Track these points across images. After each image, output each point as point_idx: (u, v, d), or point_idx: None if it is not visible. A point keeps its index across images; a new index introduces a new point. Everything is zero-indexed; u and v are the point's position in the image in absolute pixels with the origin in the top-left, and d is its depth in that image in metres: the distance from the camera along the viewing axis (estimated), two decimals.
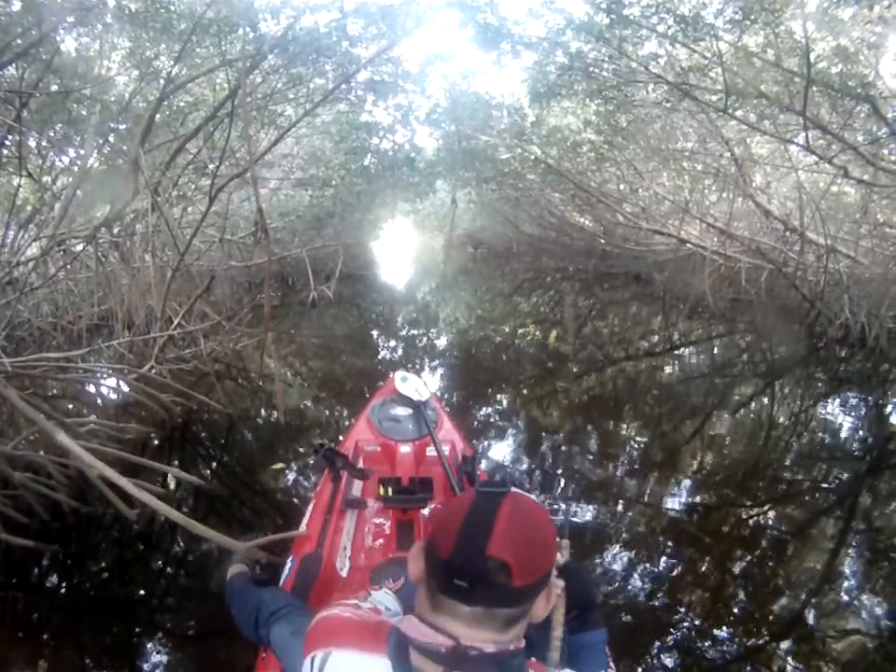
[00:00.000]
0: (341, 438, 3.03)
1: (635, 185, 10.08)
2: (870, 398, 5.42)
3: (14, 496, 2.57)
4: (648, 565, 2.57)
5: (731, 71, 4.92)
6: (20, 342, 4.90)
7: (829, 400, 5.36)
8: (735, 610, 2.29)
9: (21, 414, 2.58)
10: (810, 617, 2.27)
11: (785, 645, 2.12)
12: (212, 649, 2.06)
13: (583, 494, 3.19)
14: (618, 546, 2.71)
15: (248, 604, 1.34)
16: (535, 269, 16.07)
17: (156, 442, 3.75)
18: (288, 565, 1.75)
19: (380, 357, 6.90)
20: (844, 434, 4.45)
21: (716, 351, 7.58)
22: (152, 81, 5.30)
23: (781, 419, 4.83)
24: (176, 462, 3.54)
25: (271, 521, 2.84)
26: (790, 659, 2.05)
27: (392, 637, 0.69)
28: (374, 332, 8.68)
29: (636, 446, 4.07)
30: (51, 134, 5.40)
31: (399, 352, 7.09)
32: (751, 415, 4.98)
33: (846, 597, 2.40)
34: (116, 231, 5.09)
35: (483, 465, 3.26)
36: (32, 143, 5.17)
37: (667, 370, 6.52)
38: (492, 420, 4.52)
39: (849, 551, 2.80)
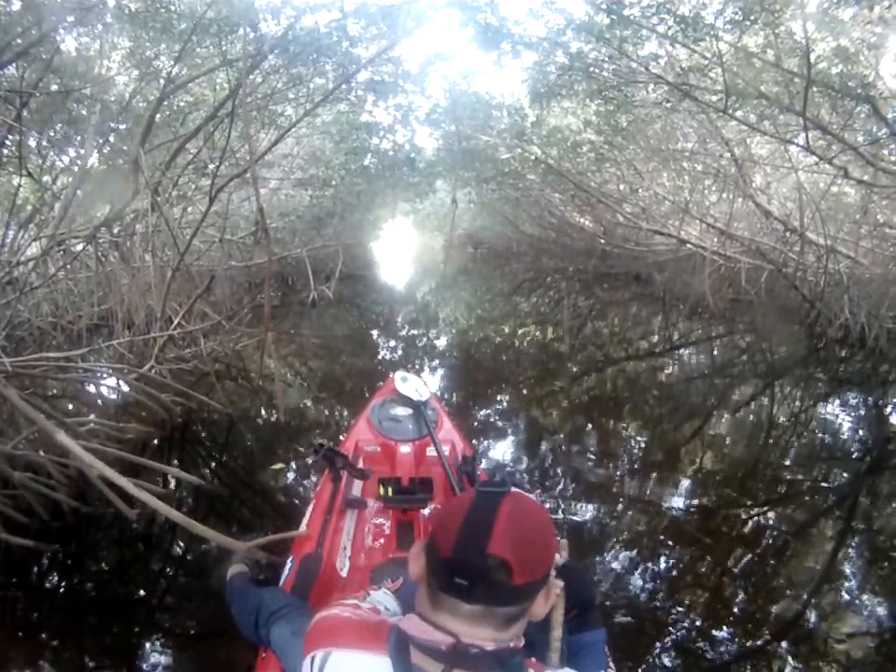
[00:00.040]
0: (341, 438, 3.03)
1: (635, 185, 10.08)
2: (870, 398, 5.42)
3: (14, 495, 2.57)
4: (647, 565, 2.57)
5: (731, 71, 4.93)
6: (20, 341, 4.90)
7: (829, 401, 5.36)
8: (735, 610, 2.29)
9: (21, 414, 2.58)
10: (810, 617, 2.27)
11: (785, 645, 2.12)
12: (212, 649, 2.06)
13: (583, 494, 3.19)
14: (617, 546, 2.71)
15: (248, 604, 1.34)
16: (535, 269, 16.07)
17: (156, 442, 3.75)
18: (288, 565, 1.75)
19: (380, 357, 6.90)
20: (844, 434, 4.45)
21: (716, 351, 7.58)
22: (152, 81, 5.30)
23: (781, 419, 4.83)
24: (176, 462, 3.54)
25: (271, 521, 2.84)
26: (789, 659, 2.05)
27: (392, 635, 0.70)
28: (374, 332, 8.68)
29: (635, 446, 4.07)
30: (51, 134, 5.40)
31: (399, 352, 7.09)
32: (751, 416, 4.99)
33: (845, 597, 2.40)
34: (116, 230, 5.09)
35: (483, 465, 3.27)
36: (32, 142, 5.17)
37: (667, 370, 6.52)
38: (492, 420, 4.52)
39: (849, 551, 2.80)
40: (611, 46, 5.16)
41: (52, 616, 2.23)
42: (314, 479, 3.14)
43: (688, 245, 8.98)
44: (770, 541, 2.83)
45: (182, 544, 2.65)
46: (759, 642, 2.12)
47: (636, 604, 2.31)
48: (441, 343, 7.72)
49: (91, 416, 3.65)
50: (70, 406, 4.43)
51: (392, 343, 7.71)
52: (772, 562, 2.64)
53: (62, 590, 2.40)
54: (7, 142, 4.42)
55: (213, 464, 3.74)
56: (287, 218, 9.11)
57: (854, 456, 4.03)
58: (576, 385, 5.62)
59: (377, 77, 5.53)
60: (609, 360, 6.83)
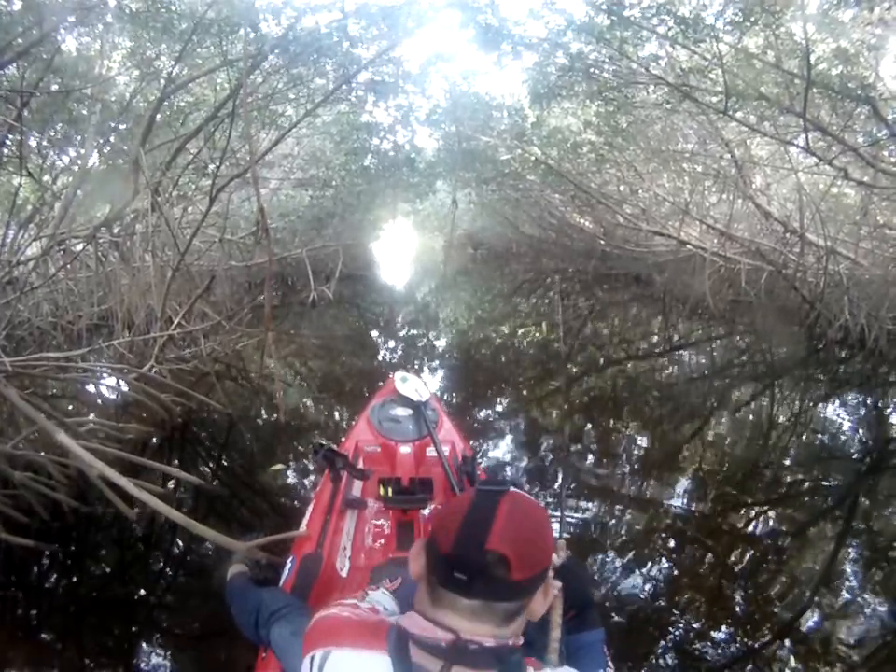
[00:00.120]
0: (341, 438, 3.03)
1: (635, 186, 10.08)
2: (869, 399, 5.42)
3: (14, 495, 2.57)
4: (647, 565, 2.57)
5: (731, 72, 4.93)
6: (20, 341, 4.90)
7: (828, 402, 5.37)
8: (735, 610, 2.29)
9: (21, 414, 2.58)
10: (810, 617, 2.27)
11: (784, 645, 2.12)
12: (212, 649, 2.06)
13: (583, 494, 3.19)
14: (617, 546, 2.72)
15: (248, 604, 1.34)
16: (535, 270, 16.08)
17: (156, 442, 3.75)
18: (288, 565, 1.75)
19: (380, 357, 6.90)
20: (843, 435, 4.45)
21: (716, 352, 7.58)
22: (153, 81, 5.30)
23: (781, 420, 4.84)
24: (176, 462, 3.54)
25: (271, 521, 2.84)
26: (789, 659, 2.05)
27: (392, 634, 0.70)
28: (374, 333, 8.68)
29: (635, 447, 4.07)
30: (52, 134, 5.40)
31: (399, 352, 7.09)
32: (751, 416, 4.99)
33: (845, 597, 2.40)
34: (116, 230, 5.09)
35: (483, 465, 3.27)
36: (32, 142, 5.18)
37: (667, 370, 6.52)
38: (492, 420, 4.52)
39: (849, 551, 2.80)
40: (612, 47, 5.16)
41: (52, 616, 2.23)
42: (314, 479, 3.14)
43: (688, 246, 8.98)
44: (770, 541, 2.83)
45: (182, 544, 2.65)
46: (758, 642, 2.12)
47: (635, 604, 2.31)
48: (441, 343, 7.72)
49: (91, 416, 3.66)
50: (70, 406, 4.43)
51: (392, 344, 7.71)
52: (772, 562, 2.64)
53: (62, 590, 2.40)
54: (8, 141, 4.42)
55: (213, 464, 3.74)
56: (287, 219, 9.12)
57: (854, 457, 4.03)
58: (576, 385, 5.62)
59: (378, 78, 5.53)
60: (609, 361, 6.83)
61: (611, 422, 4.67)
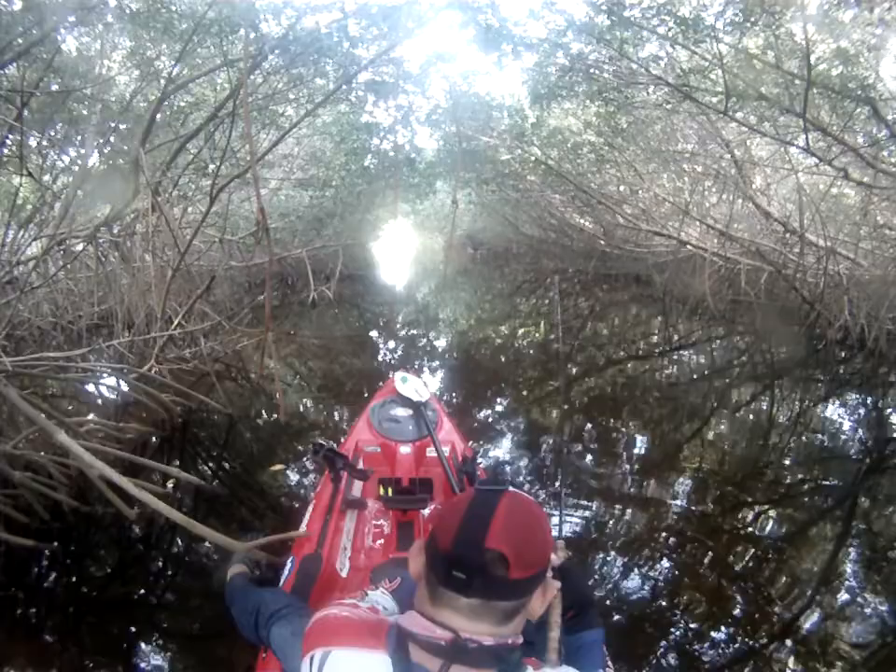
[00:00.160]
0: (341, 438, 3.03)
1: (635, 186, 10.09)
2: (869, 399, 5.42)
3: (14, 495, 2.57)
4: (646, 565, 2.57)
5: (731, 73, 4.93)
6: (20, 341, 4.90)
7: (828, 402, 5.37)
8: (734, 610, 2.29)
9: (21, 414, 2.58)
10: (809, 618, 2.27)
11: (784, 645, 2.12)
12: (212, 649, 2.05)
13: (582, 494, 3.19)
14: (616, 546, 2.71)
15: (248, 604, 1.33)
16: (535, 270, 16.08)
17: (156, 442, 3.75)
18: (288, 565, 1.75)
19: (380, 357, 6.90)
20: (843, 435, 4.45)
21: (716, 352, 7.58)
22: (153, 81, 5.31)
23: (781, 420, 4.83)
24: (176, 462, 3.54)
25: (271, 521, 2.84)
26: (789, 659, 2.05)
27: (392, 633, 0.71)
28: (374, 333, 8.68)
29: (635, 447, 4.07)
30: (52, 134, 5.40)
31: (399, 352, 7.09)
32: (751, 416, 4.99)
33: (845, 598, 2.40)
34: (116, 230, 5.09)
35: (483, 465, 3.26)
36: (32, 142, 5.18)
37: (667, 371, 6.52)
38: (492, 420, 4.52)
39: (849, 552, 2.80)
40: (612, 47, 5.17)
41: (52, 616, 2.23)
42: (314, 479, 3.14)
43: (688, 247, 8.99)
44: (770, 541, 2.83)
45: (182, 544, 2.65)
46: (758, 642, 2.12)
47: (634, 604, 2.31)
48: (441, 343, 7.72)
49: (91, 416, 3.66)
50: (70, 406, 4.43)
51: (392, 344, 7.71)
52: (772, 562, 2.64)
53: (62, 590, 2.40)
54: (8, 141, 4.43)
55: (213, 464, 3.73)
56: (287, 219, 9.14)
57: (854, 457, 4.03)
58: (576, 385, 5.62)
59: (378, 78, 5.54)
60: (609, 361, 6.83)
61: (611, 422, 4.67)
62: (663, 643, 2.09)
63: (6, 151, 4.55)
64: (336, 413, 4.68)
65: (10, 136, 4.36)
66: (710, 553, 2.70)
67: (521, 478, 3.42)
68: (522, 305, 11.68)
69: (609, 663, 1.04)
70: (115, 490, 2.31)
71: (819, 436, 4.50)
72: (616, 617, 2.21)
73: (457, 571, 0.66)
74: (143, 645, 2.08)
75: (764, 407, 5.20)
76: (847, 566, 2.67)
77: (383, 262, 15.54)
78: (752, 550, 2.74)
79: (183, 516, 2.01)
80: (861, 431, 4.59)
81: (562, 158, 9.10)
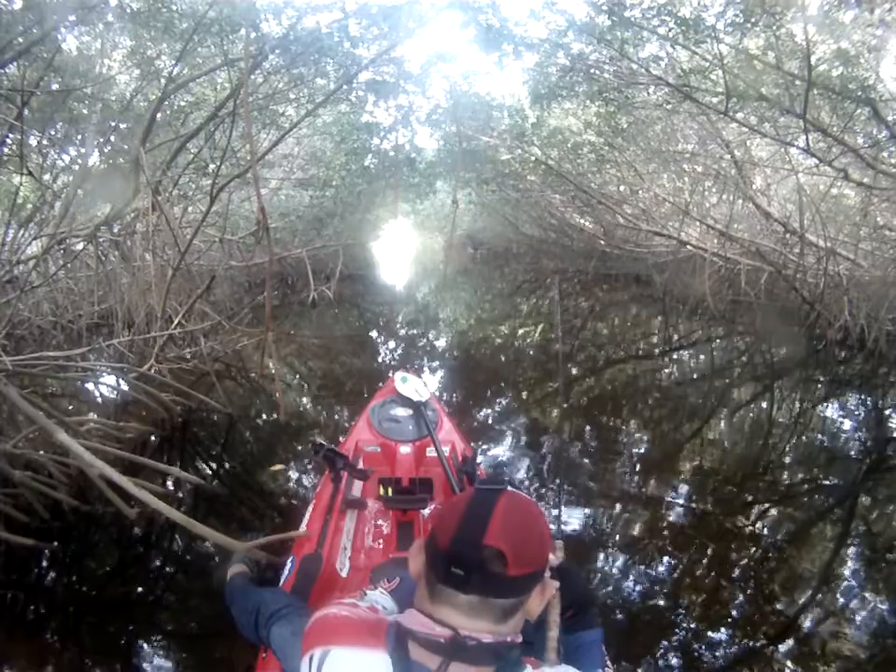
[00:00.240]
0: (341, 438, 3.03)
1: (635, 186, 10.09)
2: (869, 400, 5.42)
3: (14, 494, 2.57)
4: (646, 565, 2.57)
5: (732, 73, 4.93)
6: (20, 340, 4.91)
7: (828, 402, 5.37)
8: (734, 611, 2.30)
9: (21, 413, 2.58)
10: (808, 618, 2.27)
11: (783, 646, 2.12)
12: (212, 649, 2.05)
13: (582, 494, 3.19)
14: (616, 546, 2.72)
15: (248, 604, 1.34)
16: (535, 270, 16.08)
17: (156, 442, 3.75)
18: (288, 565, 1.75)
19: (380, 357, 6.90)
20: (843, 436, 4.45)
21: (715, 352, 7.58)
22: (153, 80, 5.31)
23: (781, 420, 4.84)
24: (177, 461, 3.53)
25: (271, 521, 2.84)
26: (788, 659, 2.06)
27: (391, 632, 0.71)
28: (374, 333, 8.68)
29: (635, 447, 4.07)
30: (52, 133, 5.41)
31: (399, 352, 7.09)
32: (751, 417, 4.99)
33: (845, 598, 2.40)
34: (116, 230, 5.09)
35: (483, 465, 3.27)
36: (33, 141, 5.18)
37: (667, 371, 6.52)
38: (492, 420, 4.52)
39: (849, 551, 2.80)
40: (612, 47, 5.17)
41: (52, 616, 2.22)
42: (314, 479, 3.14)
43: (688, 247, 8.99)
44: (770, 541, 2.83)
45: (182, 544, 2.65)
46: (758, 642, 2.12)
47: (634, 603, 2.32)
48: (441, 343, 7.72)
49: (91, 415, 3.67)
50: (70, 405, 4.43)
51: (392, 344, 7.71)
52: (771, 562, 2.64)
53: (61, 589, 2.40)
54: (8, 141, 4.43)
55: (213, 464, 3.74)
56: (287, 218, 9.14)
57: (854, 457, 4.03)
58: (576, 385, 5.62)
59: (378, 78, 5.54)
60: (608, 361, 6.83)
61: (611, 422, 4.67)
62: (663, 643, 2.10)
63: (6, 150, 4.56)
64: (336, 413, 4.68)
65: (11, 135, 4.36)
66: (710, 552, 2.70)
67: (521, 478, 3.42)
68: (522, 305, 11.68)
69: (609, 662, 1.04)
70: (115, 489, 2.31)
71: (819, 436, 4.50)
72: (616, 617, 2.22)
73: (456, 568, 0.67)
74: (143, 645, 2.08)
75: (764, 407, 5.20)
76: (847, 566, 2.67)
77: (383, 262, 15.55)
78: (752, 550, 2.74)
79: (183, 516, 2.01)
80: (860, 431, 4.59)
81: (562, 158, 9.10)
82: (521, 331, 8.71)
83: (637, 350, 7.59)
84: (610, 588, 2.40)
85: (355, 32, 4.48)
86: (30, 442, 2.79)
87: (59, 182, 5.80)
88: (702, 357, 7.42)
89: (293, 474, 3.42)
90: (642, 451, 4.02)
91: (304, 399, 5.13)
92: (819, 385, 5.94)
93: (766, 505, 3.23)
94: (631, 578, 2.47)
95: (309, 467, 3.40)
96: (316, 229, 9.80)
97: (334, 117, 7.77)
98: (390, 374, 3.12)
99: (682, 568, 2.58)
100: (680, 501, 3.20)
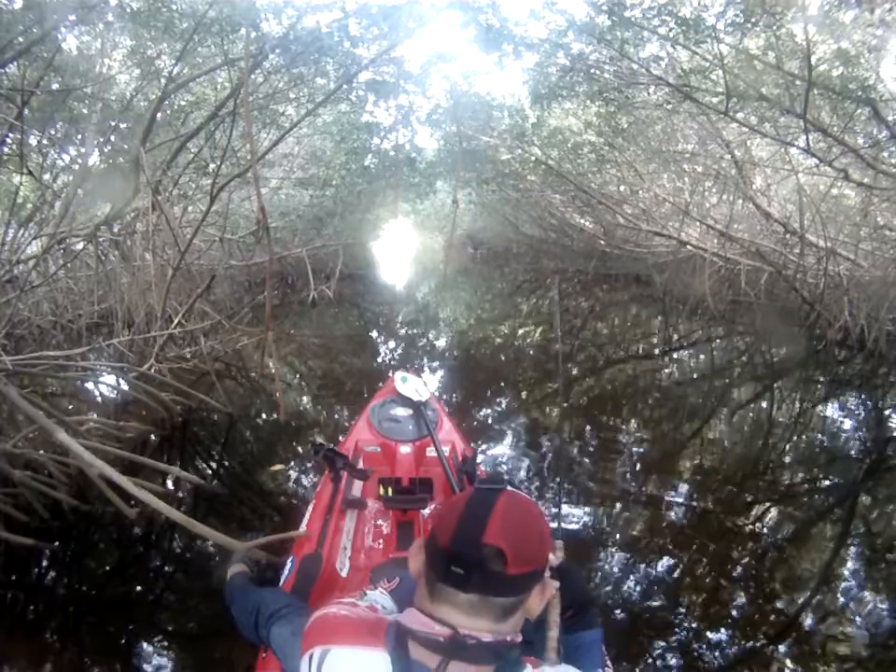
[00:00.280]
0: (341, 438, 3.03)
1: (635, 186, 10.09)
2: (869, 400, 5.42)
3: (14, 494, 2.57)
4: (646, 565, 2.57)
5: (732, 73, 4.93)
6: (20, 340, 4.91)
7: (828, 402, 5.37)
8: (734, 611, 2.30)
9: (21, 412, 2.58)
10: (808, 618, 2.27)
11: (783, 646, 2.12)
12: (212, 648, 2.05)
13: (582, 494, 3.20)
14: (616, 546, 2.72)
15: (248, 604, 1.34)
16: (535, 270, 16.08)
17: (156, 441, 3.75)
18: (288, 565, 1.75)
19: (380, 357, 6.90)
20: (843, 436, 4.45)
21: (715, 353, 7.58)
22: (153, 80, 5.31)
23: (781, 420, 4.84)
24: (177, 461, 3.53)
25: (271, 521, 2.84)
26: (787, 660, 2.06)
27: (391, 631, 0.71)
28: (374, 332, 8.68)
29: (635, 447, 4.07)
30: (52, 133, 5.41)
31: (399, 352, 7.09)
32: (751, 417, 4.99)
33: (844, 598, 2.40)
34: (116, 229, 5.09)
35: (483, 465, 3.27)
36: (33, 141, 5.18)
37: (667, 371, 6.52)
38: (492, 420, 4.52)
39: (848, 552, 2.80)
40: (612, 47, 5.17)
41: (52, 615, 2.23)
42: (314, 479, 3.14)
43: (688, 247, 8.99)
44: (769, 542, 2.83)
45: (182, 544, 2.65)
46: (757, 642, 2.13)
47: (634, 604, 2.32)
48: (441, 343, 7.72)
49: (91, 415, 3.67)
50: (70, 405, 4.43)
51: (392, 343, 7.71)
52: (771, 562, 2.64)
53: (61, 589, 2.40)
54: (9, 140, 4.43)
55: (213, 463, 3.74)
56: (287, 218, 9.14)
57: (854, 457, 4.03)
58: (576, 385, 5.62)
59: (378, 78, 5.54)
60: (608, 361, 6.83)
61: (611, 422, 4.67)
62: (663, 643, 2.10)
63: (6, 150, 4.55)
64: (336, 413, 4.68)
65: (11, 135, 4.36)
66: (710, 552, 2.70)
67: (521, 478, 3.42)
68: (522, 305, 11.68)
69: (609, 662, 1.04)
70: (115, 489, 2.31)
71: (819, 436, 4.50)
72: (616, 617, 2.22)
73: (456, 567, 0.67)
74: (143, 644, 2.08)
75: (764, 407, 5.20)
76: (847, 566, 2.67)
77: (383, 262, 15.55)
78: (752, 550, 2.74)
79: (183, 515, 2.01)
80: (860, 431, 4.59)
81: (562, 158, 9.10)
82: (521, 331, 8.71)
83: (637, 350, 7.59)
84: (610, 588, 2.40)
85: (355, 31, 4.48)
86: (30, 442, 2.79)
87: (59, 182, 5.80)
88: (702, 357, 7.42)
89: (293, 474, 3.42)
90: (642, 451, 4.02)
91: (304, 399, 5.13)
92: (819, 386, 5.94)
93: (766, 505, 3.23)
94: (631, 578, 2.47)
95: (309, 466, 3.40)
96: (316, 228, 9.80)
97: (334, 116, 7.77)
98: (390, 374, 3.12)
99: (682, 568, 2.58)
100: (680, 501, 3.20)
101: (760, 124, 5.88)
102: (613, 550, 2.69)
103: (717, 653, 2.06)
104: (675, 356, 7.34)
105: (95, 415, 3.62)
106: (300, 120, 5.51)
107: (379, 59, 4.95)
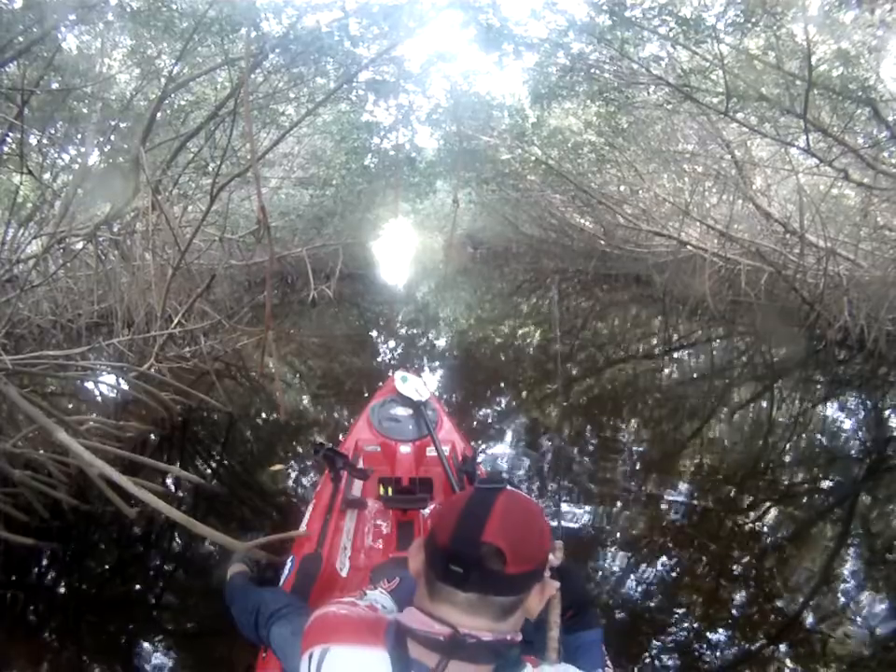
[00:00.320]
0: (341, 438, 3.03)
1: (635, 186, 10.09)
2: (868, 400, 5.43)
3: (14, 493, 2.57)
4: (646, 565, 2.57)
5: (732, 73, 4.93)
6: (19, 339, 4.91)
7: (828, 403, 5.37)
8: (733, 611, 2.30)
9: (21, 412, 2.58)
10: (808, 618, 2.27)
11: (782, 646, 2.12)
12: (212, 648, 2.05)
13: (582, 494, 3.20)
14: (616, 546, 2.72)
15: (248, 604, 1.34)
16: (535, 270, 16.09)
17: (156, 441, 3.75)
18: (288, 565, 1.75)
19: (380, 356, 6.90)
20: (843, 436, 4.45)
21: (715, 353, 7.59)
22: (153, 80, 5.31)
23: (781, 421, 4.84)
24: (176, 461, 3.54)
25: (271, 521, 2.84)
26: (787, 660, 2.06)
27: (390, 630, 0.71)
28: (374, 332, 8.68)
29: (635, 447, 4.07)
30: (52, 132, 5.41)
31: (399, 352, 7.09)
32: (751, 417, 4.99)
33: (844, 598, 2.41)
34: (116, 229, 5.09)
35: (483, 465, 3.27)
36: (33, 140, 5.18)
37: (667, 371, 6.53)
38: (492, 420, 4.52)
39: (848, 552, 2.80)
40: (613, 47, 5.16)
41: (52, 615, 2.22)
42: (314, 479, 3.14)
43: (688, 247, 8.99)
44: (769, 542, 2.83)
45: (182, 543, 2.65)
46: (757, 643, 2.13)
47: (634, 604, 2.32)
48: (441, 343, 7.73)
49: (91, 415, 3.66)
50: (70, 404, 4.43)
51: (392, 343, 7.71)
52: (771, 562, 2.64)
53: (61, 589, 2.40)
54: (8, 139, 4.43)
55: (213, 463, 3.74)
56: (287, 217, 9.14)
57: (854, 457, 4.04)
58: (576, 385, 5.62)
59: (378, 77, 5.54)
60: (608, 361, 6.83)
61: (611, 422, 4.67)
62: (663, 643, 2.10)
63: (6, 149, 4.55)
64: (336, 413, 4.68)
65: (11, 134, 4.35)
66: (710, 552, 2.70)
67: (521, 477, 3.42)
68: (522, 305, 11.68)
69: (609, 662, 1.05)
70: (114, 489, 2.31)
71: (819, 436, 4.50)
72: (616, 617, 2.22)
73: (455, 566, 0.67)
74: (143, 644, 2.08)
75: (764, 407, 5.20)
76: (847, 566, 2.67)
77: (383, 261, 15.55)
78: (752, 550, 2.74)
79: (183, 515, 2.01)
80: (860, 431, 4.59)
81: (562, 158, 9.10)
82: (521, 331, 8.71)
83: (637, 350, 7.59)
84: (610, 588, 2.40)
85: (355, 31, 4.48)
86: (30, 441, 2.79)
87: (59, 181, 5.80)
88: (702, 357, 7.43)
89: (293, 474, 3.42)
90: (642, 450, 4.02)
91: (304, 399, 5.13)
92: (819, 386, 5.95)
93: (766, 505, 3.23)
94: (631, 578, 2.47)
95: (309, 466, 3.40)
96: (316, 228, 9.80)
97: (334, 116, 7.76)
98: (390, 374, 3.11)
99: (682, 568, 2.58)
100: (680, 501, 3.20)
101: (760, 124, 5.87)
102: (613, 550, 2.69)
103: (717, 653, 2.06)
104: (675, 356, 7.34)
105: (95, 415, 3.61)
106: (300, 120, 5.51)
107: (379, 58, 4.95)
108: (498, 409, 4.91)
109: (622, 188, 10.40)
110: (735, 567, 2.61)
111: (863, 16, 4.71)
